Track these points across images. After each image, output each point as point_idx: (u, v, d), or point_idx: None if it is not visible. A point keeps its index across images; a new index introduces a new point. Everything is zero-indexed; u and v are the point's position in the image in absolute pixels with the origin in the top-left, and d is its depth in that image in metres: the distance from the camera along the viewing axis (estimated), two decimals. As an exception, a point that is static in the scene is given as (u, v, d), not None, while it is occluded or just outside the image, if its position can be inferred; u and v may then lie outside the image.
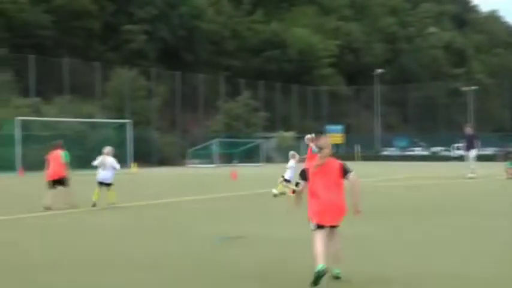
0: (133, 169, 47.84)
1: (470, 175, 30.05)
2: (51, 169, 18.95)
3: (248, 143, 65.17)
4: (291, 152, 23.52)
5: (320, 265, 7.92)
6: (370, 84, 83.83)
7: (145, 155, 56.73)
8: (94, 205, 18.62)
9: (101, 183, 19.37)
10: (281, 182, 22.28)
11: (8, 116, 48.08)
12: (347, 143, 77.57)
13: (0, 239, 12.97)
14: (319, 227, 8.25)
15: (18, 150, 44.03)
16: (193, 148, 62.16)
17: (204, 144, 63.34)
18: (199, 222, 15.56)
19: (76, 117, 52.75)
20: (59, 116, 52.59)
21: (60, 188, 18.79)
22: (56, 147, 19.43)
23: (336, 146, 79.91)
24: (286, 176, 22.37)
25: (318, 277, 7.88)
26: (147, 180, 35.25)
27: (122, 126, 54.00)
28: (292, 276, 8.92)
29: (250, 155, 64.19)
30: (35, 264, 10.15)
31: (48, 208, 18.09)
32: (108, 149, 19.74)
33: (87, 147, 46.99)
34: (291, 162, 22.72)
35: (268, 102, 74.05)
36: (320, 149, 8.56)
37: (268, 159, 67.35)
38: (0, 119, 48.40)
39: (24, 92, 52.64)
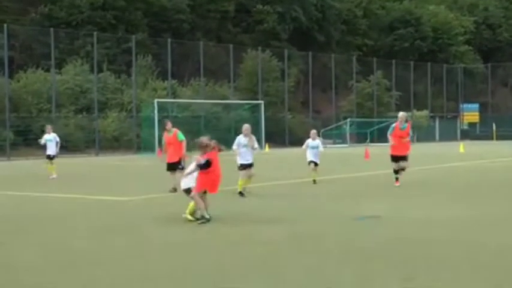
0: (266, 149, 48.53)
1: None
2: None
3: (380, 122, 64.55)
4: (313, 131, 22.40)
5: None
6: (508, 61, 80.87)
7: (278, 136, 57.34)
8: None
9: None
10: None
11: (147, 98, 49.86)
12: (483, 122, 75.24)
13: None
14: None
15: (156, 131, 45.47)
16: (326, 128, 62.25)
17: (336, 124, 63.32)
18: (334, 201, 15.78)
19: (210, 99, 53.99)
20: (194, 98, 54.01)
21: None
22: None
23: (473, 125, 77.81)
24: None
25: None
26: (280, 160, 35.72)
27: (255, 107, 54.83)
28: (428, 255, 9.03)
29: (383, 135, 63.41)
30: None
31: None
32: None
33: (222, 128, 48.22)
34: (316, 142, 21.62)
35: (400, 81, 72.88)
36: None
37: (401, 139, 66.36)
38: (139, 102, 50.26)
39: (162, 75, 54.33)
